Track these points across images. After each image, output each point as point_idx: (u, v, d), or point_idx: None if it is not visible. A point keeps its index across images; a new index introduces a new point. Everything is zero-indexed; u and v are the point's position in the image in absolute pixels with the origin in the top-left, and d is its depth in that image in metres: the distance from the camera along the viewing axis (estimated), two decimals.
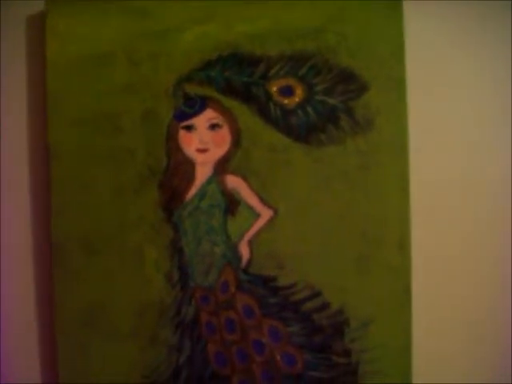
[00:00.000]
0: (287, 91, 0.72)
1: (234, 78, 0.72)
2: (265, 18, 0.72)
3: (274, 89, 0.72)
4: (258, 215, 0.72)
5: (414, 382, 0.72)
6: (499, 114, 0.76)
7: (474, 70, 0.76)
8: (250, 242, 0.73)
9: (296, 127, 0.72)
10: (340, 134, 0.72)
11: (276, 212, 0.72)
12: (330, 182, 0.72)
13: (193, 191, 0.73)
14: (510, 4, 0.76)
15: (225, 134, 0.72)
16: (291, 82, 0.72)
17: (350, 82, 0.72)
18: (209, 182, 0.73)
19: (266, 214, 0.72)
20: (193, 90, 0.72)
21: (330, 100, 0.72)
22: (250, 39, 0.72)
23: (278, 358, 0.72)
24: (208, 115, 0.72)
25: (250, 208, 0.73)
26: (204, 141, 0.73)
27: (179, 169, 0.73)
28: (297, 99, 0.72)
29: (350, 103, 0.72)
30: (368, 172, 0.72)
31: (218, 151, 0.73)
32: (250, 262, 0.73)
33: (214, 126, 0.72)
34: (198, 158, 0.73)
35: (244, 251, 0.73)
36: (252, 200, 0.72)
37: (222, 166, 0.73)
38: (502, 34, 0.76)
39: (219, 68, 0.72)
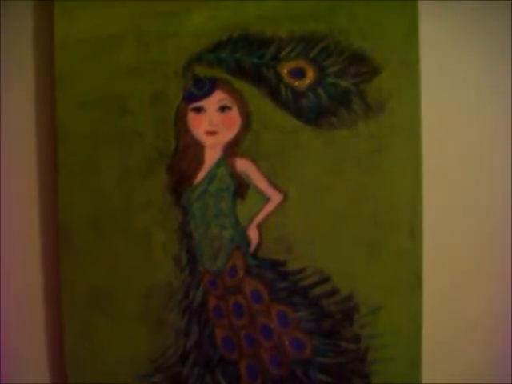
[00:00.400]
0: (298, 73, 0.71)
1: (244, 59, 0.71)
2: None
3: (285, 70, 0.71)
4: (267, 199, 0.72)
5: (423, 368, 0.71)
6: None
7: (489, 54, 0.75)
8: (260, 226, 0.72)
9: (307, 110, 0.71)
10: (352, 117, 0.71)
11: (286, 196, 0.72)
12: (341, 166, 0.71)
13: (202, 174, 0.72)
14: None
15: (234, 116, 0.72)
16: (302, 63, 0.71)
17: (362, 65, 0.71)
18: (218, 165, 0.72)
19: (275, 197, 0.72)
20: (202, 71, 0.72)
21: (341, 82, 0.71)
22: (260, 20, 0.71)
23: (287, 343, 0.72)
24: (218, 97, 0.71)
25: (260, 191, 0.72)
26: (213, 123, 0.72)
27: (188, 151, 0.72)
28: (308, 81, 0.71)
29: (361, 86, 0.71)
30: (380, 156, 0.71)
31: (227, 134, 0.72)
32: (259, 246, 0.72)
33: (223, 108, 0.72)
34: (208, 141, 0.72)
35: (253, 235, 0.72)
36: (261, 183, 0.72)
37: (231, 149, 0.72)
38: None
39: (229, 49, 0.71)
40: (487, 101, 0.75)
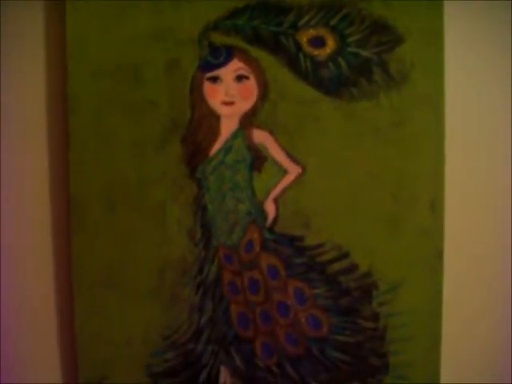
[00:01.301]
0: (318, 42, 0.69)
1: (262, 27, 0.69)
2: None
3: (304, 39, 0.69)
4: (284, 172, 0.70)
5: (443, 348, 0.70)
6: None
7: None
8: (277, 200, 0.70)
9: (326, 80, 0.69)
10: (373, 88, 0.69)
11: (304, 169, 0.70)
12: (361, 139, 0.70)
13: (217, 146, 0.71)
14: None
15: (252, 86, 0.70)
16: (322, 32, 0.69)
17: (384, 34, 0.69)
18: (234, 136, 0.70)
19: (293, 170, 0.70)
20: (219, 39, 0.69)
21: (362, 52, 0.69)
22: None
23: (303, 320, 0.71)
24: (234, 66, 0.69)
25: (277, 164, 0.70)
26: (230, 93, 0.70)
27: (203, 122, 0.70)
28: (328, 50, 0.69)
29: (383, 56, 0.69)
30: (401, 128, 0.70)
31: (244, 104, 0.70)
32: (275, 220, 0.70)
33: (240, 78, 0.70)
34: (224, 111, 0.70)
35: (270, 209, 0.70)
36: (279, 156, 0.70)
37: (248, 120, 0.70)
38: None
39: (246, 16, 0.69)
40: None
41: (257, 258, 0.71)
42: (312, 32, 0.70)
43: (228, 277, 0.72)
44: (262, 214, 0.71)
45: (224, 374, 0.72)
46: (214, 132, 0.71)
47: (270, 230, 0.71)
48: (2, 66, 0.74)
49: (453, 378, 0.73)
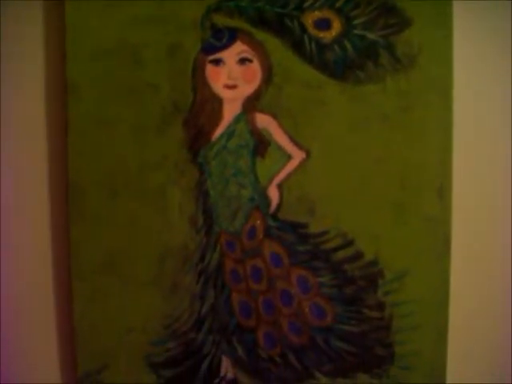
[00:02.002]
0: (323, 24, 0.68)
1: (267, 8, 0.68)
2: None
3: (310, 21, 0.68)
4: (288, 157, 0.69)
5: (449, 338, 0.70)
6: None
7: None
8: (280, 186, 0.69)
9: (332, 63, 0.68)
10: (379, 71, 0.68)
11: (308, 154, 0.69)
12: (367, 123, 0.69)
13: (220, 130, 0.69)
14: None
15: (255, 69, 0.68)
16: (328, 14, 0.68)
17: (391, 16, 0.68)
18: (237, 120, 0.69)
19: (297, 155, 0.69)
20: (221, 21, 0.68)
21: (369, 35, 0.68)
22: None
23: (307, 309, 0.70)
24: (238, 48, 0.68)
25: (281, 149, 0.69)
26: (233, 76, 0.69)
27: (206, 106, 0.69)
28: (334, 33, 0.68)
29: (390, 39, 0.68)
30: (408, 113, 0.69)
31: (247, 87, 0.69)
32: (279, 206, 0.69)
33: (243, 61, 0.68)
34: (226, 95, 0.69)
35: (273, 195, 0.69)
36: (283, 140, 0.69)
37: (251, 104, 0.69)
38: None
39: None
40: None
41: (259, 246, 0.70)
42: (317, 14, 0.68)
43: (230, 265, 0.70)
44: (265, 200, 0.69)
45: (225, 364, 0.72)
46: (217, 116, 0.69)
47: (274, 216, 0.70)
48: (1, 49, 0.73)
49: (459, 368, 0.72)
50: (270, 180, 0.69)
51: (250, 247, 0.70)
